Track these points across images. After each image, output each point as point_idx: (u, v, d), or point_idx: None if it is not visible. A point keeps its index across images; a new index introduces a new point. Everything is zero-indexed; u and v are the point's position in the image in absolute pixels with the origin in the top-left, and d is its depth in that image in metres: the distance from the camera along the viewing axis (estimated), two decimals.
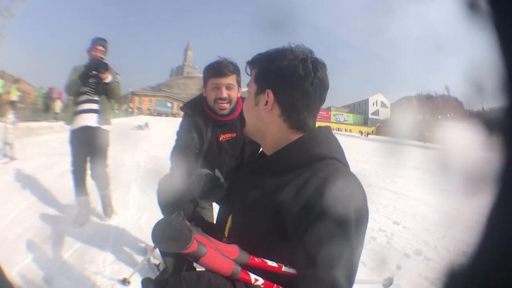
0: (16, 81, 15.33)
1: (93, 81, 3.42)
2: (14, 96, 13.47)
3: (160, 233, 0.67)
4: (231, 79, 1.96)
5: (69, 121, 3.47)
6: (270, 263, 0.76)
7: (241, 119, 1.90)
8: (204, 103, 2.04)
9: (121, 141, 9.41)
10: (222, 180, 1.35)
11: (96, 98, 3.46)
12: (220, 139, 2.06)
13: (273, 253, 0.78)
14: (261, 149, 1.04)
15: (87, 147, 3.43)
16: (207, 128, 2.02)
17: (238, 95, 2.04)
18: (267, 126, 0.92)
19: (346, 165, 0.89)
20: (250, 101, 0.96)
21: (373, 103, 70.23)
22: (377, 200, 5.38)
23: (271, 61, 0.89)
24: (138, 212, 3.75)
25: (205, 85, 2.01)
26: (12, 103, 8.89)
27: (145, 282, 0.71)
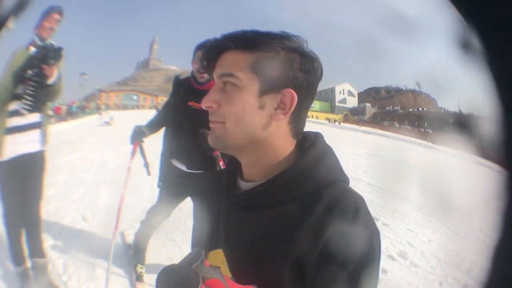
0: None
1: (33, 81, 2.35)
2: None
3: (164, 280, 0.61)
4: None
5: None
6: None
7: None
8: (191, 75, 2.47)
9: (88, 140, 9.37)
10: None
11: (35, 104, 2.40)
12: (189, 103, 2.37)
13: None
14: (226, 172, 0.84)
15: (22, 183, 2.40)
16: (179, 93, 2.47)
17: None
18: (269, 137, 0.70)
19: (348, 183, 0.74)
20: (248, 101, 0.68)
21: (340, 92, 71.09)
22: None
23: (288, 46, 0.68)
24: (108, 216, 3.62)
25: (193, 58, 2.41)
26: None
27: None
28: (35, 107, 2.40)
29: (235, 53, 0.67)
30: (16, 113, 2.36)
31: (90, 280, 2.58)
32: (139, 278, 2.57)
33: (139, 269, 2.61)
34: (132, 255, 2.76)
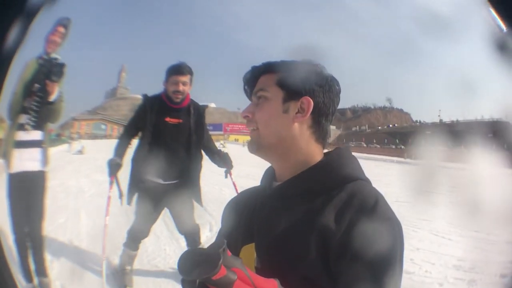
0: None
1: (38, 95, 2.39)
2: None
3: (185, 260, 0.62)
4: (186, 78, 2.62)
5: (5, 156, 2.41)
6: None
7: (188, 110, 2.70)
8: (163, 94, 2.67)
9: (65, 168, 9.35)
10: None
11: (38, 121, 2.44)
12: (166, 119, 2.63)
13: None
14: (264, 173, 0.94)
15: (25, 201, 2.46)
16: (153, 110, 2.64)
17: (188, 91, 2.70)
18: (294, 138, 0.82)
19: (370, 184, 0.84)
20: (274, 108, 0.83)
21: None
22: None
23: (306, 68, 0.83)
24: (93, 241, 3.65)
25: (167, 80, 2.63)
26: None
27: None
28: (38, 124, 2.44)
29: (266, 76, 0.84)
30: (22, 127, 2.41)
31: None
32: None
33: None
34: (120, 278, 2.79)
